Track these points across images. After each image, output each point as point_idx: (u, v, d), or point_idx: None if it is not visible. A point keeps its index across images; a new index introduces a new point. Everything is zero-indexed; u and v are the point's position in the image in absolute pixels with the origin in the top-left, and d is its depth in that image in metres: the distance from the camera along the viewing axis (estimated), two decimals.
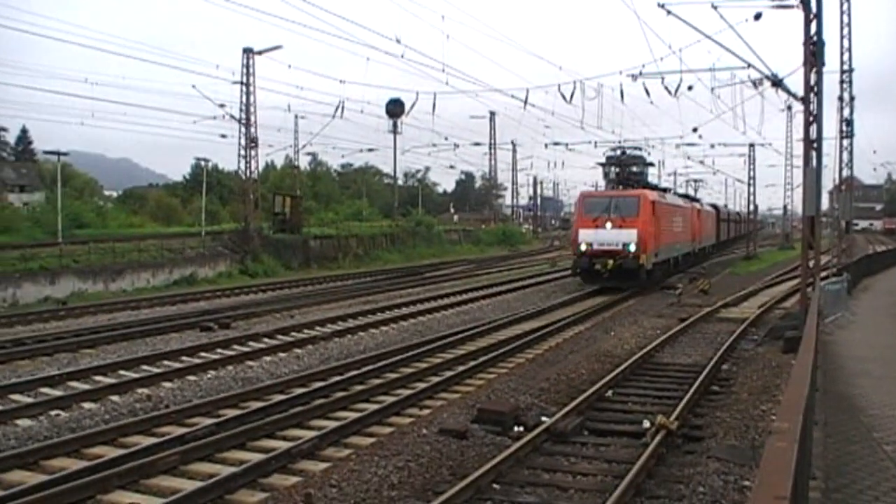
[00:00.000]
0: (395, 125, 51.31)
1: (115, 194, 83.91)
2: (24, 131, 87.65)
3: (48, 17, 78.20)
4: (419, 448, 8.74)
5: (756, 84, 21.69)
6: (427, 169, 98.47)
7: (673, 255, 31.19)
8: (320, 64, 43.86)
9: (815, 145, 16.88)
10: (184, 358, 14.74)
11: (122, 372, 13.43)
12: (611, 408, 11.15)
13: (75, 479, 7.63)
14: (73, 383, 12.54)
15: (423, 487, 7.74)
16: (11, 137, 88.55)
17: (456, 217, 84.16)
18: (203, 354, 15.09)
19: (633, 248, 25.51)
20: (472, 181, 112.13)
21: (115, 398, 11.54)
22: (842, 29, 26.53)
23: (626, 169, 30.43)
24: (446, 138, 52.90)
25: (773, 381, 12.40)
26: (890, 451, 7.90)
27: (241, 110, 37.32)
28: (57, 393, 11.82)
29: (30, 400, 11.33)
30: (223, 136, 40.04)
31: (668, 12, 18.35)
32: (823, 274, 21.09)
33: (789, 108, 40.42)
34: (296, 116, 51.70)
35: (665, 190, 36.26)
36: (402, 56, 26.90)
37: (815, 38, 16.34)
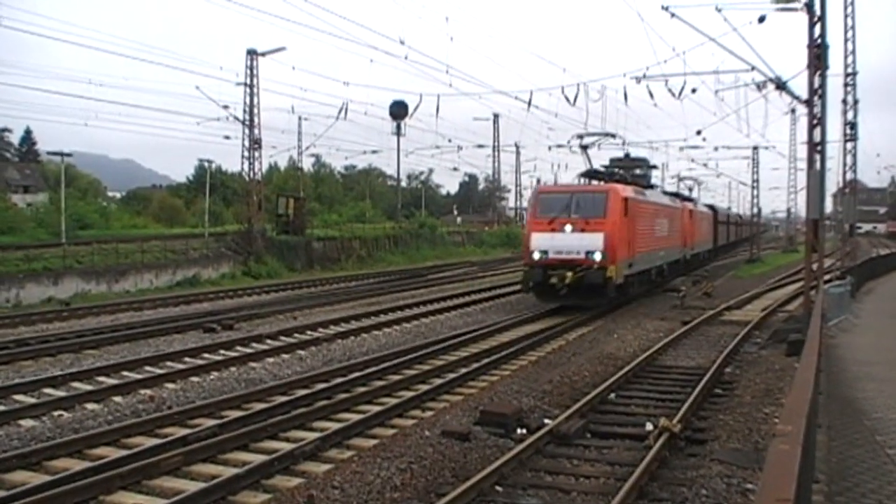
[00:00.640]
0: (398, 127, 51.36)
1: (118, 195, 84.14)
2: (27, 132, 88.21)
3: (52, 18, 78.36)
4: (422, 450, 8.74)
5: (760, 87, 21.71)
6: (430, 171, 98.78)
7: (655, 265, 26.43)
8: (324, 66, 44.01)
9: (818, 148, 16.88)
10: (187, 359, 14.76)
11: (125, 373, 13.46)
12: (614, 410, 11.13)
13: (78, 479, 7.63)
14: (77, 384, 12.57)
15: (426, 489, 7.74)
16: (15, 138, 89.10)
17: (459, 219, 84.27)
18: (206, 356, 15.12)
19: (598, 256, 20.56)
20: (476, 183, 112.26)
21: (118, 399, 11.56)
22: (846, 32, 26.52)
23: (586, 149, 24.45)
24: (450, 140, 53.02)
25: (776, 385, 12.38)
26: (893, 454, 7.88)
27: (244, 112, 37.38)
28: (60, 393, 11.84)
29: (33, 400, 11.35)
30: (227, 137, 40.10)
31: (672, 15, 18.39)
32: (827, 277, 21.08)
33: (793, 110, 40.37)
34: (299, 118, 51.91)
35: (648, 186, 30.01)
36: (406, 58, 27.05)
37: (819, 41, 16.35)
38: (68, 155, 37.60)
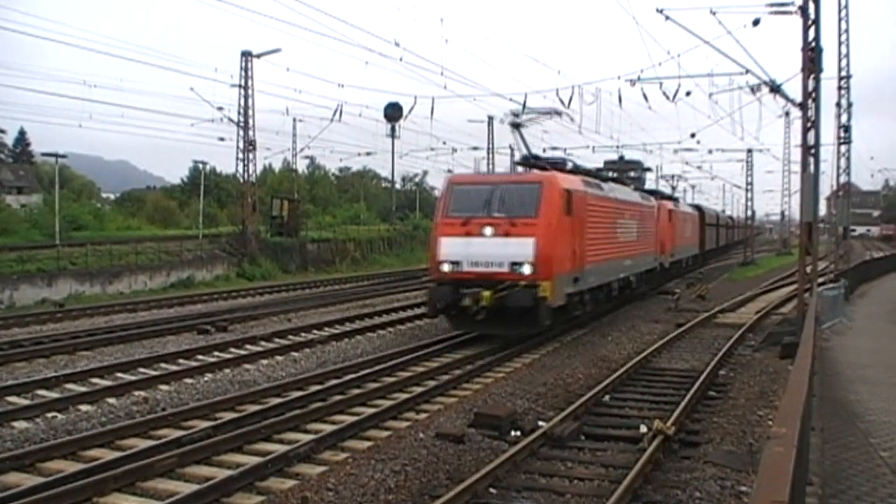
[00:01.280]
0: (393, 129, 51.29)
1: (112, 196, 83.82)
2: (21, 133, 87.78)
3: (46, 19, 78.23)
4: (416, 452, 8.74)
5: (754, 90, 21.83)
6: (425, 173, 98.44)
7: (617, 277, 21.12)
8: (319, 67, 43.88)
9: (812, 151, 16.94)
10: (181, 361, 14.72)
11: (119, 374, 13.41)
12: (608, 413, 11.15)
13: (72, 481, 7.61)
14: (70, 385, 12.52)
15: (420, 491, 7.74)
16: (9, 139, 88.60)
17: None
18: (200, 357, 15.08)
19: (527, 269, 15.29)
20: None
21: (112, 400, 11.52)
22: (840, 35, 26.68)
23: (519, 128, 18.74)
24: (444, 142, 52.90)
25: (770, 387, 12.42)
26: (886, 457, 7.91)
27: (239, 113, 37.35)
28: (54, 395, 11.80)
29: (26, 402, 11.30)
30: (221, 139, 40.05)
31: (667, 17, 18.45)
32: (821, 280, 21.15)
33: (787, 114, 40.33)
34: (294, 120, 51.71)
35: (605, 179, 23.38)
36: (401, 60, 27.01)
37: (813, 45, 16.41)
38: (62, 156, 37.51)
